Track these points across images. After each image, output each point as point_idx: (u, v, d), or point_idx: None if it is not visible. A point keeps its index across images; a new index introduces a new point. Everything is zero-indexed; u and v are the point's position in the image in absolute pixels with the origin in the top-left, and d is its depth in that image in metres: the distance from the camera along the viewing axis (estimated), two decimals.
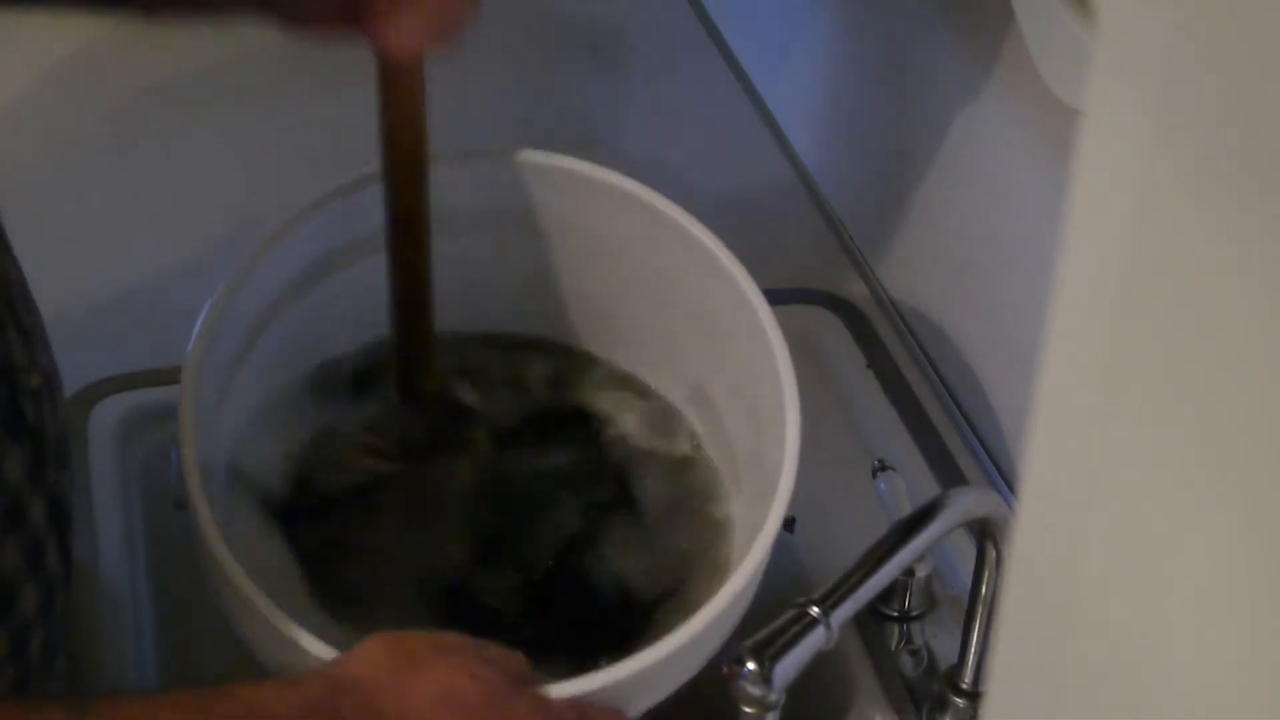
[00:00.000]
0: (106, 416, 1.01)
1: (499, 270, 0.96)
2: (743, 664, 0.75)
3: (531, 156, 0.93)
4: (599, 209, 0.93)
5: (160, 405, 0.99)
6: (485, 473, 0.93)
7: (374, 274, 0.90)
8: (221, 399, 0.86)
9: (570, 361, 0.99)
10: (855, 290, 1.14)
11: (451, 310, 0.92)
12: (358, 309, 0.92)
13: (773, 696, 0.76)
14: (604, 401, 0.97)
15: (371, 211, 0.88)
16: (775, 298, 1.09)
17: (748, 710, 0.77)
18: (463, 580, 0.89)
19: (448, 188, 0.89)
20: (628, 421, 0.96)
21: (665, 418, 0.96)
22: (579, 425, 0.96)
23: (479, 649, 0.72)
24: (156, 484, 1.00)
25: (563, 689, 0.74)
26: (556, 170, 0.93)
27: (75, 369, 1.02)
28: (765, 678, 0.75)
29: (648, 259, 0.93)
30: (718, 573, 0.88)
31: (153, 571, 0.97)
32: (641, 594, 0.89)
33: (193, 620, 0.93)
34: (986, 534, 0.82)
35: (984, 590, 0.83)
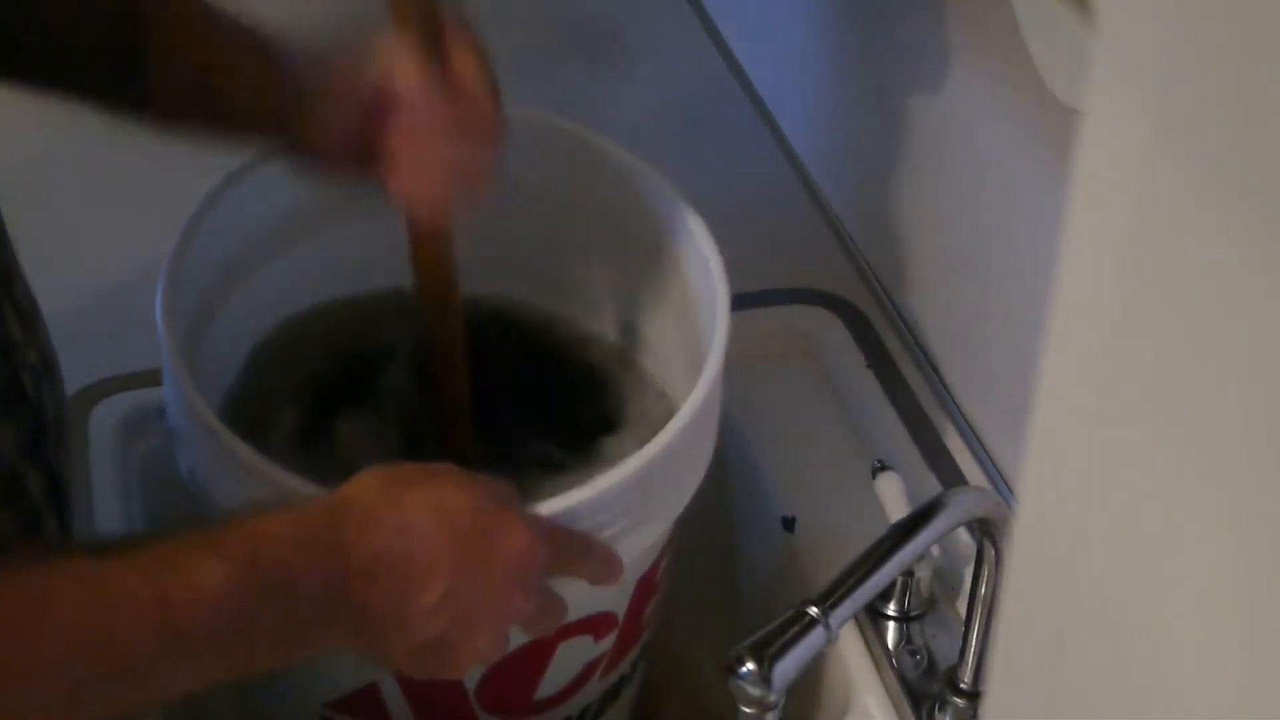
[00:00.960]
0: (106, 416, 1.01)
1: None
2: (742, 664, 0.75)
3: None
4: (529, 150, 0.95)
5: (160, 405, 0.99)
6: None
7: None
8: (205, 325, 0.88)
9: (528, 310, 1.01)
10: (855, 290, 1.14)
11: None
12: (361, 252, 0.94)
13: (772, 697, 0.76)
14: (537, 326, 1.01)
15: None
16: (775, 298, 1.10)
17: (747, 710, 0.77)
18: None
19: None
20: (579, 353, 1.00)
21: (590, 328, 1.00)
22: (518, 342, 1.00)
23: (468, 473, 0.75)
24: (156, 483, 1.00)
25: (548, 506, 0.76)
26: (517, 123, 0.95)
27: (75, 369, 1.02)
28: (764, 678, 0.75)
29: (561, 186, 0.95)
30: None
31: None
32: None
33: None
34: (986, 534, 0.82)
35: (983, 590, 0.83)
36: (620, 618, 0.88)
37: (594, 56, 1.34)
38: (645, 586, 0.89)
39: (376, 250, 0.91)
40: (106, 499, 0.97)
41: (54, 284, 1.07)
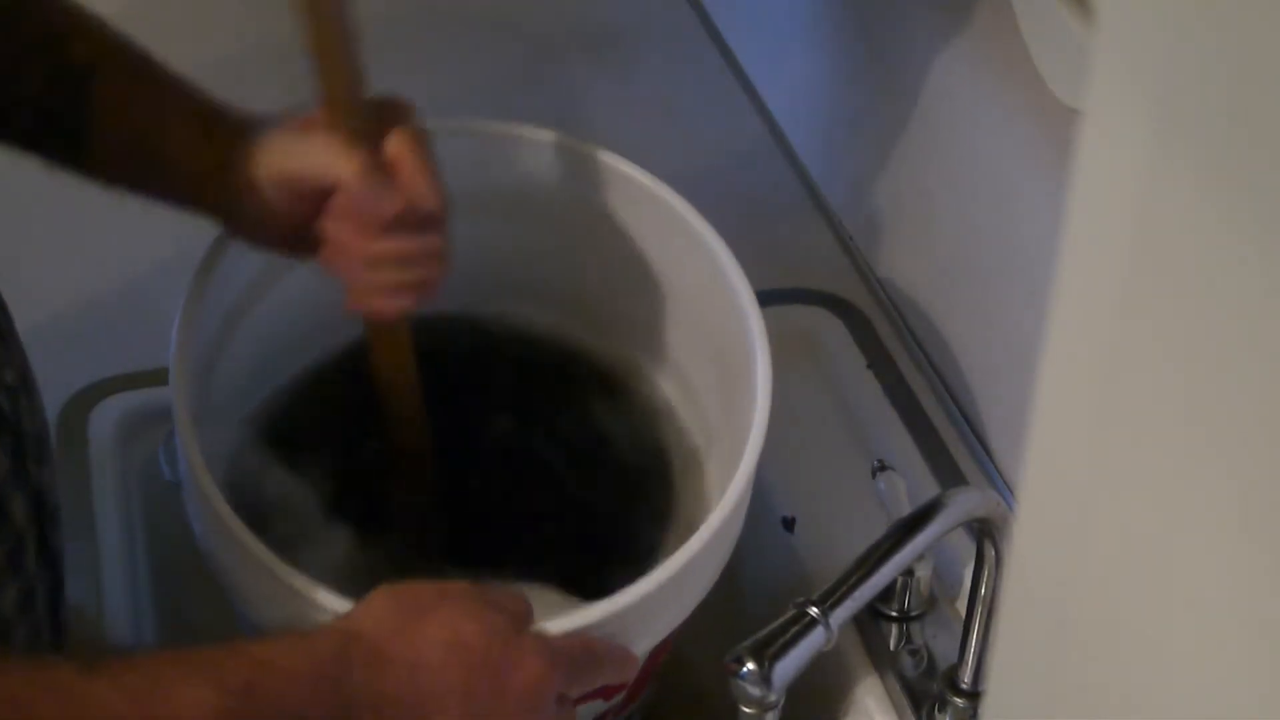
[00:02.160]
0: (106, 416, 1.01)
1: (474, 249, 0.97)
2: (742, 664, 0.75)
3: (502, 129, 0.94)
4: (574, 180, 0.94)
5: (160, 405, 0.99)
6: (469, 435, 0.95)
7: None
8: (212, 372, 0.87)
9: (547, 336, 1.00)
10: (855, 290, 1.14)
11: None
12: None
13: (772, 696, 0.76)
14: (579, 368, 1.00)
15: None
16: (775, 298, 1.10)
17: (747, 710, 0.77)
18: (450, 527, 0.91)
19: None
20: (599, 382, 0.99)
21: (634, 377, 0.99)
22: (557, 387, 0.99)
23: (481, 593, 0.73)
24: (157, 483, 1.00)
25: (562, 624, 0.75)
26: (529, 142, 0.94)
27: (75, 369, 1.02)
28: (765, 678, 0.75)
29: (618, 230, 0.95)
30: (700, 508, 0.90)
31: (153, 570, 0.97)
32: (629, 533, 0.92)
33: (194, 616, 0.93)
34: (986, 534, 0.82)
35: (983, 590, 0.83)
36: (631, 681, 0.87)
37: (595, 57, 1.34)
38: (659, 650, 0.88)
39: None
40: (106, 500, 0.97)
41: (55, 284, 1.07)
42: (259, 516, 0.86)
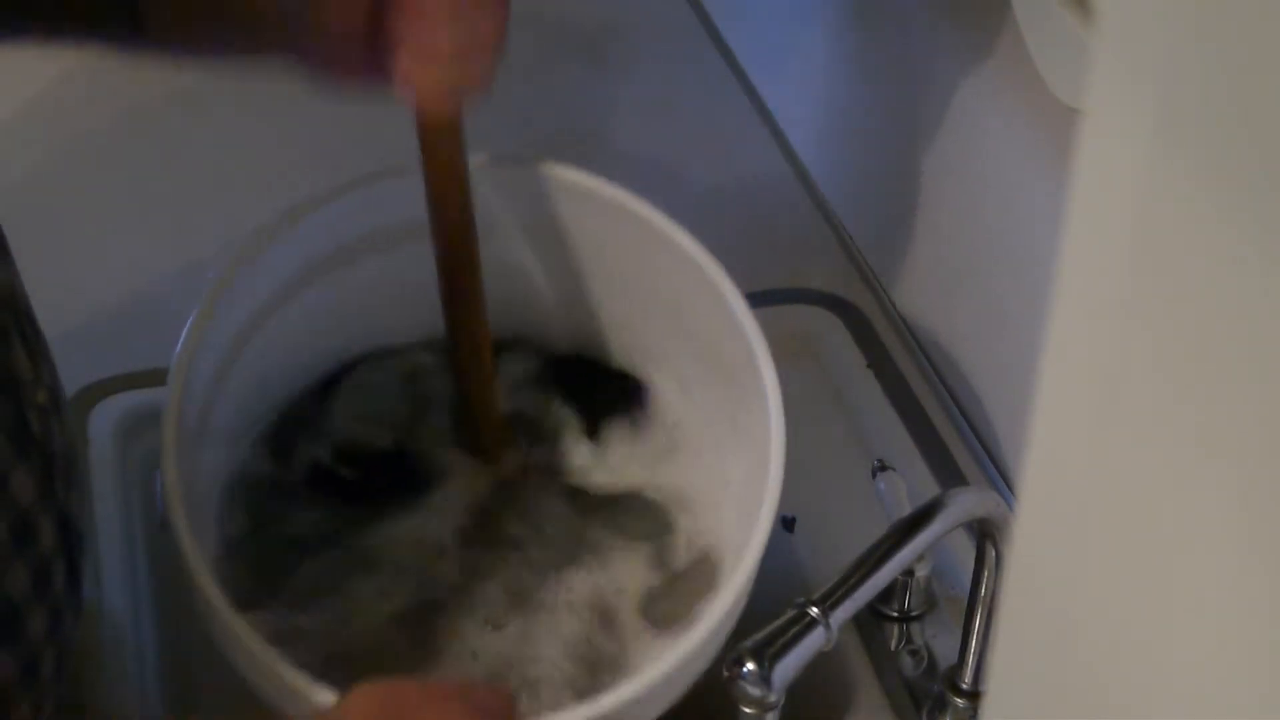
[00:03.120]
0: (106, 416, 1.01)
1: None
2: (742, 664, 0.75)
3: (499, 160, 0.92)
4: (568, 210, 0.92)
5: (160, 406, 0.99)
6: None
7: (368, 279, 0.89)
8: (208, 414, 0.86)
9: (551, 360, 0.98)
10: (855, 290, 1.14)
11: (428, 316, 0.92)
12: (358, 312, 0.92)
13: (772, 697, 0.76)
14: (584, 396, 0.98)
15: (368, 213, 0.87)
16: (775, 298, 1.10)
17: (747, 710, 0.77)
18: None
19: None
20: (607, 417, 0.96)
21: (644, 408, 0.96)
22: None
23: (466, 694, 0.72)
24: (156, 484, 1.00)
25: None
26: (526, 174, 0.92)
27: (75, 369, 1.02)
28: (765, 678, 0.75)
29: (620, 257, 0.92)
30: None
31: (153, 570, 0.97)
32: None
33: (194, 618, 0.92)
34: (986, 534, 0.82)
35: (984, 590, 0.83)
36: None
37: (594, 56, 1.34)
38: None
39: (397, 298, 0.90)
40: (106, 500, 0.97)
41: (55, 285, 1.07)
42: (257, 546, 0.85)
